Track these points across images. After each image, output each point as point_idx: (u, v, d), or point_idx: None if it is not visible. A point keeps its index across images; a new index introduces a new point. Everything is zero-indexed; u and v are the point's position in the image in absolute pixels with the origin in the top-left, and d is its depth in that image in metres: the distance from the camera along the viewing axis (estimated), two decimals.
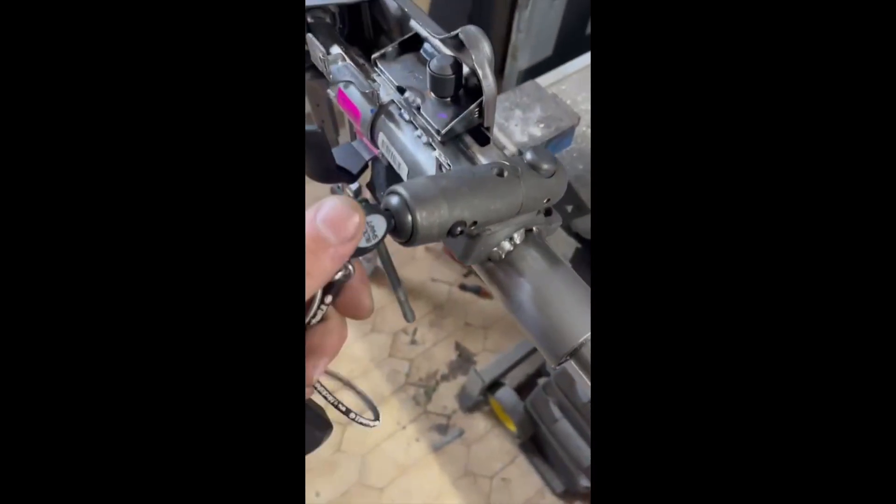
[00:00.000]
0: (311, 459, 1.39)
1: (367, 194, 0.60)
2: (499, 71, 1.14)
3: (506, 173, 0.28)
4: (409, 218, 0.25)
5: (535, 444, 1.30)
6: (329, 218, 0.21)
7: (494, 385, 1.30)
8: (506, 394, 1.25)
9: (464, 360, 1.47)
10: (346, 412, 0.24)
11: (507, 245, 0.32)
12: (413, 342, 1.48)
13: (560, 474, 1.24)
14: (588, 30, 0.96)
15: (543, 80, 0.74)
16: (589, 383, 0.30)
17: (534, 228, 0.33)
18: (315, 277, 0.22)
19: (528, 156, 0.30)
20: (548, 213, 0.34)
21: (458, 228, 0.26)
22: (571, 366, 0.31)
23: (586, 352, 0.30)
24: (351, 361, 1.44)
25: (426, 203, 0.25)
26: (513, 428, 1.28)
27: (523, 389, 1.27)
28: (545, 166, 0.29)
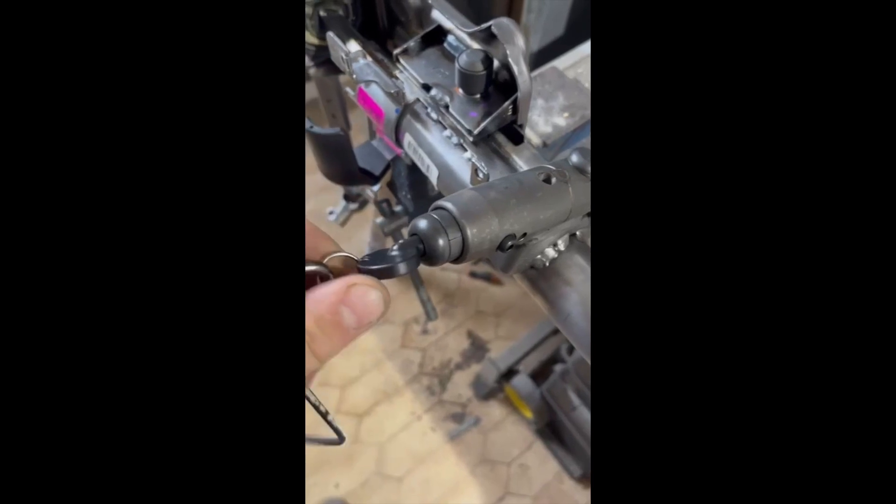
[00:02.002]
0: (329, 451, 1.39)
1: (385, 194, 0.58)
2: None
3: (553, 179, 0.26)
4: (459, 235, 0.23)
5: (551, 430, 1.29)
6: (358, 309, 0.20)
7: (510, 372, 1.29)
8: (522, 381, 1.25)
9: (477, 348, 1.46)
10: (325, 414, 0.23)
11: (551, 252, 0.30)
12: (425, 332, 1.47)
13: (578, 459, 1.24)
14: None
15: (561, 62, 0.71)
16: None
17: (577, 233, 0.31)
18: (321, 358, 0.21)
19: (574, 158, 0.28)
20: (589, 214, 0.32)
21: (509, 242, 0.25)
22: None
23: None
24: (363, 353, 1.44)
25: (476, 218, 0.23)
26: (529, 415, 1.28)
27: (538, 376, 1.27)
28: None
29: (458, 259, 0.24)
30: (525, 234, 0.26)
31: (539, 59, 0.86)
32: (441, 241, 0.22)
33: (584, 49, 0.73)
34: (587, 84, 0.64)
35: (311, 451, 1.37)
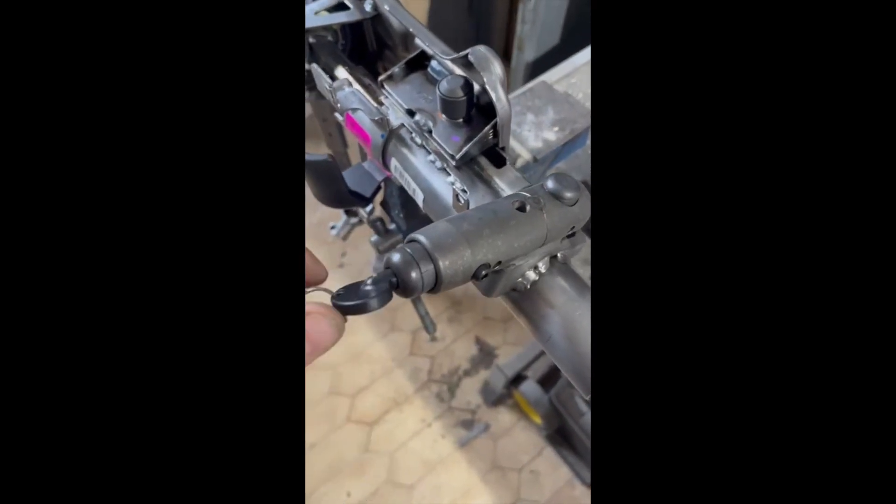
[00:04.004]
0: (340, 460, 1.40)
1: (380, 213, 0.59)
2: (504, 61, 1.11)
3: (528, 207, 0.27)
4: (432, 267, 0.24)
5: (562, 435, 1.29)
6: (312, 337, 0.21)
7: (518, 378, 1.29)
8: (530, 387, 1.25)
9: (485, 355, 1.46)
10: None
11: (532, 275, 0.30)
12: (433, 339, 1.48)
13: (589, 465, 1.24)
14: None
15: (553, 74, 0.72)
16: None
17: (558, 255, 0.31)
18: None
19: (550, 184, 0.28)
20: (570, 234, 0.33)
21: (483, 272, 0.25)
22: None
23: None
24: (372, 362, 1.45)
25: (449, 250, 0.24)
26: (538, 420, 1.28)
27: (546, 381, 1.27)
28: (568, 194, 0.28)
29: (432, 290, 0.24)
30: (500, 263, 0.26)
31: (535, 69, 0.87)
32: (414, 274, 0.23)
33: (577, 60, 0.73)
34: (578, 96, 0.64)
35: (321, 460, 1.37)
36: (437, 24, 1.10)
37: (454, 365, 1.45)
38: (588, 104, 0.61)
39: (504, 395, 1.35)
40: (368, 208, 0.49)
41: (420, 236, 0.24)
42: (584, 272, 0.62)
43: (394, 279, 0.23)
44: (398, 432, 1.37)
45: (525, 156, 0.52)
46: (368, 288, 0.22)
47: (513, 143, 0.54)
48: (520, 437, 1.35)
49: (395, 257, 0.23)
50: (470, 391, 1.42)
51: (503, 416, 1.38)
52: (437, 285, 0.24)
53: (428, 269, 0.23)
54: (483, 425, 1.37)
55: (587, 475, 1.25)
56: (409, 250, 0.23)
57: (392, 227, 0.53)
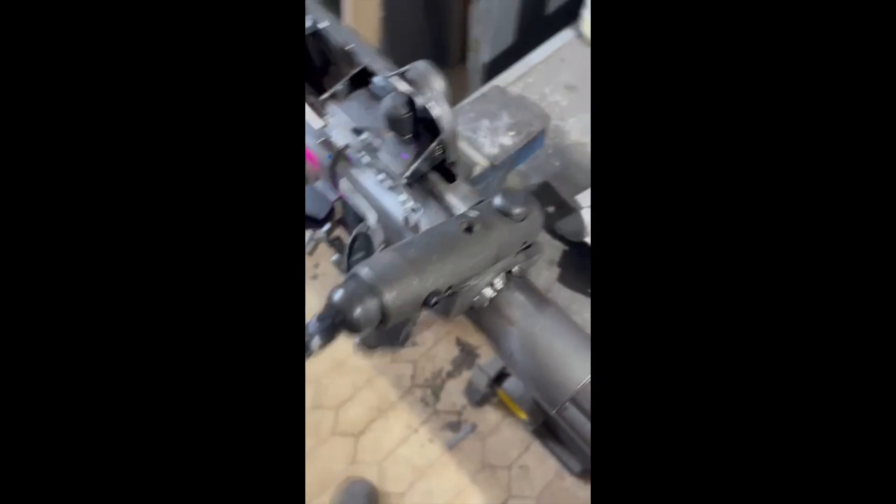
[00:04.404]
0: (328, 474, 1.38)
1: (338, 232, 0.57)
2: (460, 61, 1.10)
3: (476, 227, 0.26)
4: (377, 301, 0.23)
5: (547, 428, 1.30)
6: None
7: (500, 376, 1.29)
8: (513, 384, 1.25)
9: (466, 355, 1.46)
10: None
11: (489, 292, 0.30)
12: (414, 344, 1.47)
13: (576, 455, 1.25)
14: (549, 9, 0.93)
15: (509, 74, 0.71)
16: (589, 426, 0.29)
17: (514, 269, 0.31)
18: None
19: (497, 201, 0.28)
20: (526, 248, 0.32)
21: (433, 299, 0.25)
22: (571, 409, 0.30)
23: (583, 397, 0.28)
24: (354, 372, 1.43)
25: (395, 281, 0.23)
26: (524, 416, 1.29)
27: None
28: (517, 210, 0.28)
29: (381, 323, 0.23)
30: (451, 287, 0.26)
31: (492, 69, 0.87)
32: (357, 311, 0.22)
33: (531, 59, 0.73)
34: (534, 97, 0.64)
35: (309, 475, 1.35)
36: (392, 27, 1.08)
37: (437, 368, 1.45)
38: (543, 105, 0.61)
39: (488, 393, 1.35)
40: (326, 227, 0.48)
41: (362, 269, 0.23)
42: (550, 273, 0.62)
43: (337, 318, 0.22)
44: (385, 441, 1.36)
45: (482, 162, 0.51)
46: (311, 330, 0.21)
47: (469, 150, 0.53)
48: (507, 434, 1.36)
49: (337, 295, 0.22)
50: (454, 393, 1.41)
51: (489, 415, 1.38)
52: (384, 319, 0.23)
53: (372, 303, 0.22)
54: (470, 426, 1.37)
55: (575, 465, 1.26)
56: (352, 285, 0.23)
57: None
